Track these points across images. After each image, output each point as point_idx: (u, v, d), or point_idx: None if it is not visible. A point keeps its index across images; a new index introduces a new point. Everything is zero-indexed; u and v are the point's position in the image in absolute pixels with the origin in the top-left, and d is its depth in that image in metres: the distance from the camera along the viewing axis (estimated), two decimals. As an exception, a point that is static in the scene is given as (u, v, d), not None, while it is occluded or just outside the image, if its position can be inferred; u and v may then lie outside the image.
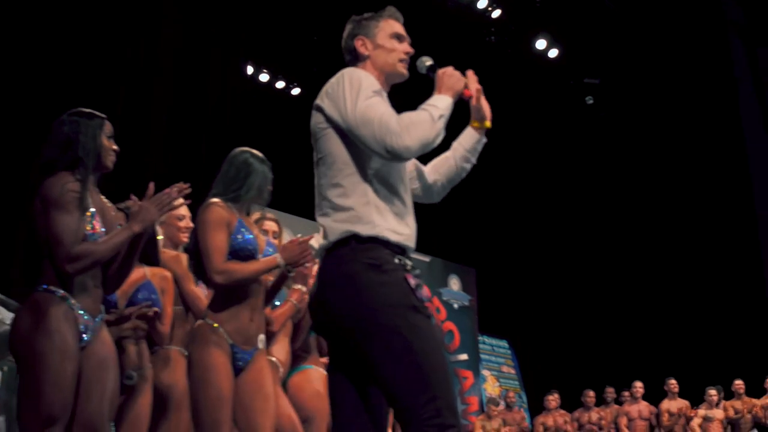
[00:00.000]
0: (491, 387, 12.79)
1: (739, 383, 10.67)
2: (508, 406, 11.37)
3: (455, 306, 12.40)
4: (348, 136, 2.42)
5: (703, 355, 12.51)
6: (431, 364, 2.24)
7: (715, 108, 13.21)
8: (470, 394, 12.16)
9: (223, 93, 10.66)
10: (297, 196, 11.56)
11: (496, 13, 12.44)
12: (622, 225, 14.07)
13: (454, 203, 12.84)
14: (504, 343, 13.66)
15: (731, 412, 10.64)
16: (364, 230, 2.36)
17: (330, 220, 2.42)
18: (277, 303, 3.87)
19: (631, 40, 13.12)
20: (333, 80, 2.50)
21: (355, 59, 2.64)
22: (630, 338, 13.38)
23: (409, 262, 2.39)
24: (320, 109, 2.49)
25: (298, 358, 4.33)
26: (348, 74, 2.48)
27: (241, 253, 3.37)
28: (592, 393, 11.36)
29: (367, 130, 2.35)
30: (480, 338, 13.15)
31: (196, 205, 3.44)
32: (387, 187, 2.46)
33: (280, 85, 12.38)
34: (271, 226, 4.08)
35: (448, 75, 2.57)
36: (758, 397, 10.54)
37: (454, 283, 12.48)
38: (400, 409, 2.24)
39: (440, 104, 2.48)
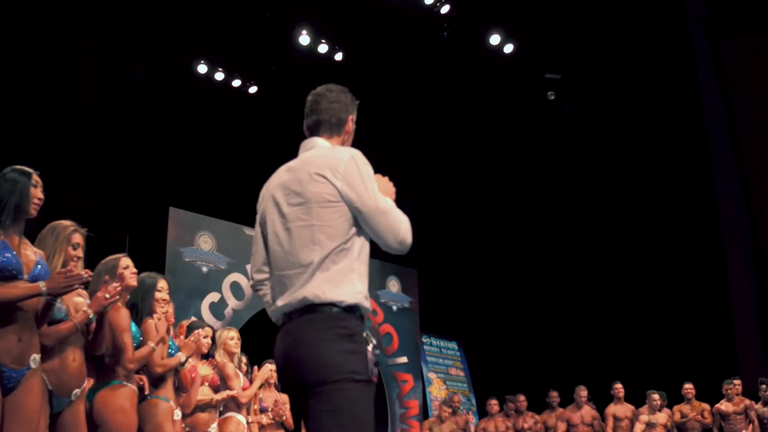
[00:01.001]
0: (437, 390, 12.53)
1: (688, 387, 10.42)
2: (453, 411, 11.08)
3: (394, 308, 12.12)
4: (351, 213, 2.66)
5: (656, 358, 12.32)
6: (362, 429, 2.54)
7: (678, 102, 13.00)
8: (409, 398, 11.89)
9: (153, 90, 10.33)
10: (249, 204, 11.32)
11: (445, 9, 12.18)
12: (574, 224, 13.84)
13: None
14: (453, 345, 13.41)
15: (677, 416, 10.37)
16: (346, 297, 2.60)
17: (311, 284, 2.61)
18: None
19: (591, 33, 12.96)
20: (341, 156, 2.70)
21: (337, 130, 2.88)
22: (586, 339, 13.18)
23: (372, 338, 2.66)
24: (325, 180, 2.67)
25: (109, 372, 4.39)
26: (353, 157, 2.71)
27: (1, 273, 3.42)
28: (555, 393, 11.07)
29: (384, 219, 2.64)
30: (426, 340, 12.89)
31: None
32: (365, 257, 2.71)
33: (237, 83, 12.07)
34: (76, 238, 4.17)
35: (380, 179, 2.82)
36: (709, 401, 10.25)
37: (393, 285, 12.19)
38: None
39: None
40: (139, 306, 4.88)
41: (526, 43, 12.94)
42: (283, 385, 2.82)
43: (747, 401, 10.08)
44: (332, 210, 2.65)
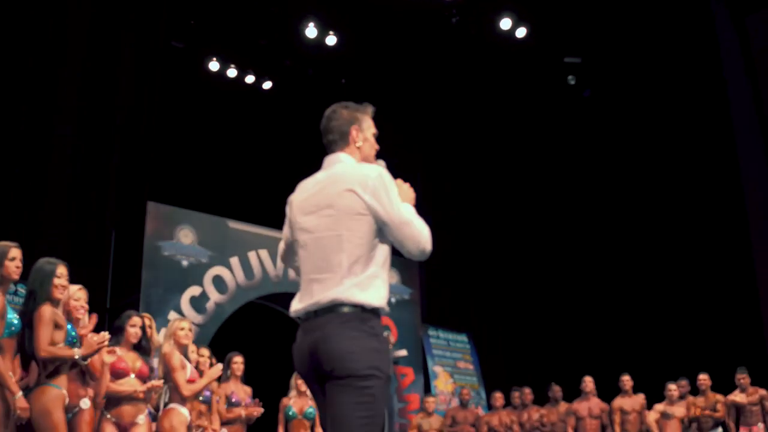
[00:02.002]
0: (443, 383, 12.18)
1: (703, 378, 9.82)
2: (462, 404, 10.75)
3: (392, 300, 11.78)
4: (376, 224, 2.91)
5: (673, 348, 11.76)
6: (381, 424, 2.79)
7: (702, 81, 12.40)
8: (409, 392, 11.57)
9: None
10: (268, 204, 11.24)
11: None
12: (586, 212, 13.35)
13: None
14: (463, 338, 13.03)
15: (693, 411, 9.82)
16: (372, 300, 2.84)
17: (340, 288, 2.85)
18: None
19: (608, 13, 12.47)
20: (369, 173, 2.95)
21: (345, 143, 3.11)
22: (601, 330, 12.68)
23: (392, 338, 3.12)
24: (355, 194, 2.92)
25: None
26: (380, 173, 2.96)
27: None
28: (558, 388, 10.67)
29: (406, 231, 2.90)
30: (433, 333, 12.55)
31: None
32: (388, 265, 2.98)
33: (250, 79, 11.94)
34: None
35: (401, 185, 3.08)
36: (728, 392, 9.65)
37: (392, 277, 11.89)
38: None
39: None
40: (37, 292, 4.89)
41: (539, 26, 12.51)
42: (304, 374, 2.97)
43: (762, 391, 9.44)
44: (360, 221, 2.90)
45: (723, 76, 12.51)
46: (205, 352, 7.29)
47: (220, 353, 8.07)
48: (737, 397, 9.52)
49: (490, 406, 10.77)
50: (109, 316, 9.51)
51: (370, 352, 2.78)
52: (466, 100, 13.87)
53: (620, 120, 13.30)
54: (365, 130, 3.15)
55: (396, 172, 3.05)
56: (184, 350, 6.43)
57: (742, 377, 9.50)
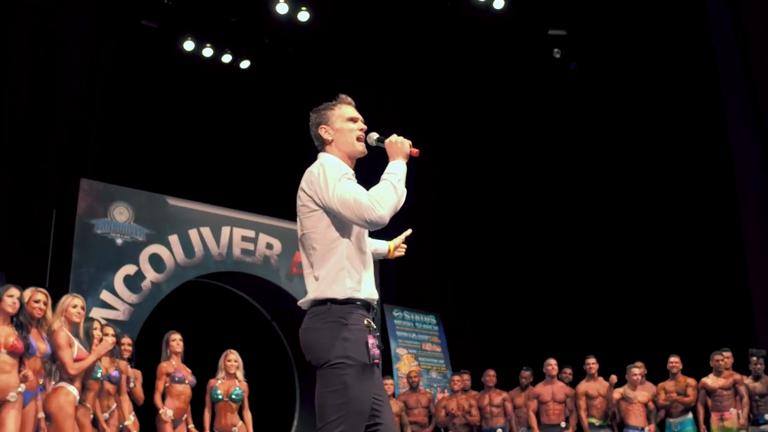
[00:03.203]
0: (406, 366, 11.75)
1: (674, 360, 9.27)
2: (412, 388, 10.30)
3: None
4: (329, 215, 3.02)
5: (647, 331, 11.25)
6: (355, 409, 2.90)
7: (691, 49, 11.79)
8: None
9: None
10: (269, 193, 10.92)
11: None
12: (563, 192, 12.82)
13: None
14: (431, 319, 12.59)
15: (662, 396, 9.33)
16: (339, 294, 2.97)
17: (314, 284, 3.03)
18: None
19: None
20: (313, 167, 3.09)
21: (323, 144, 3.22)
22: (577, 312, 12.18)
23: (373, 324, 3.02)
24: (305, 193, 3.07)
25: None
26: (321, 164, 3.08)
27: None
28: (527, 373, 10.04)
29: (346, 210, 2.94)
30: (398, 314, 12.14)
31: None
32: (358, 253, 3.08)
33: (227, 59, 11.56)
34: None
35: (394, 142, 3.15)
36: (700, 375, 9.12)
37: (348, 256, 11.47)
38: (320, 428, 2.94)
39: (396, 170, 3.08)
40: None
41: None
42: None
43: (737, 375, 8.83)
44: (313, 218, 3.04)
45: (711, 45, 11.89)
46: (110, 330, 7.03)
47: (158, 333, 7.81)
48: (710, 379, 8.97)
49: (479, 387, 10.20)
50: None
51: (340, 341, 2.91)
52: (447, 76, 13.36)
53: (609, 93, 12.69)
54: (334, 122, 3.20)
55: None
56: (75, 328, 6.24)
57: (721, 358, 8.93)
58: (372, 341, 2.97)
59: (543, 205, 13.04)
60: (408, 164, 3.14)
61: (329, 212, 3.01)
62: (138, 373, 7.49)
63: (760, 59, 11.37)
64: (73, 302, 6.22)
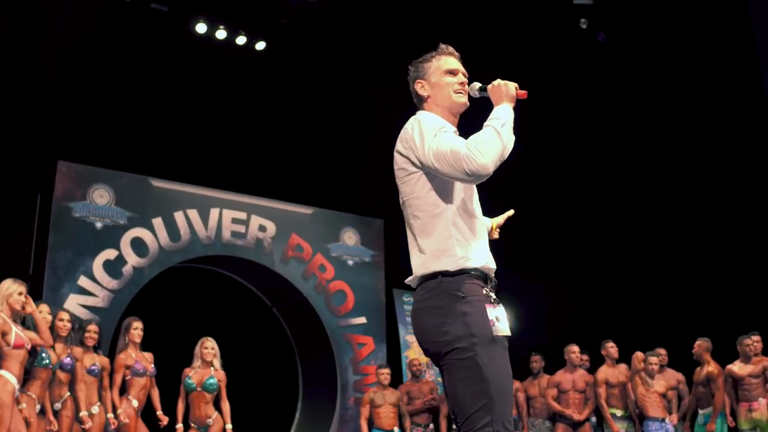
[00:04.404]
0: (416, 354, 11.09)
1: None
2: (414, 376, 9.67)
3: (350, 263, 10.82)
4: (429, 177, 2.72)
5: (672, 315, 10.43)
6: (497, 391, 2.57)
7: (726, 20, 10.89)
8: (368, 363, 10.58)
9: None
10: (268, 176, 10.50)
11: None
12: (591, 167, 12.02)
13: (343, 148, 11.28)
14: (446, 304, 11.91)
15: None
16: (449, 265, 2.66)
17: (420, 258, 2.73)
18: None
19: None
20: (407, 125, 2.82)
21: (420, 100, 2.96)
22: (603, 296, 11.40)
23: (492, 294, 2.71)
24: (400, 154, 2.79)
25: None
26: (416, 119, 2.81)
27: None
28: (537, 357, 9.41)
29: (443, 164, 2.63)
30: (408, 299, 11.47)
31: None
32: (467, 219, 2.77)
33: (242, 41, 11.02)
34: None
35: (498, 86, 2.87)
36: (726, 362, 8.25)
37: (350, 237, 10.90)
38: (463, 423, 2.61)
39: (501, 114, 2.76)
40: None
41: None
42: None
43: (767, 361, 8.04)
44: (412, 182, 2.75)
45: (749, 15, 10.97)
46: (65, 315, 6.64)
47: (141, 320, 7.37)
48: (737, 366, 8.12)
49: None
50: (32, 283, 8.98)
51: (459, 317, 2.63)
52: (469, 48, 12.58)
53: (639, 66, 11.84)
54: (431, 76, 2.95)
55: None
56: (17, 315, 5.95)
57: (750, 342, 8.02)
58: (494, 312, 2.65)
59: (562, 183, 12.29)
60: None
61: (428, 173, 2.72)
62: (105, 361, 7.06)
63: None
64: (15, 288, 5.93)
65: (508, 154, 2.70)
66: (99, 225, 9.04)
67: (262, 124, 10.67)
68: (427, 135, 2.69)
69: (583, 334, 10.01)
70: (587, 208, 12.04)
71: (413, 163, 2.72)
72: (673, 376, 8.83)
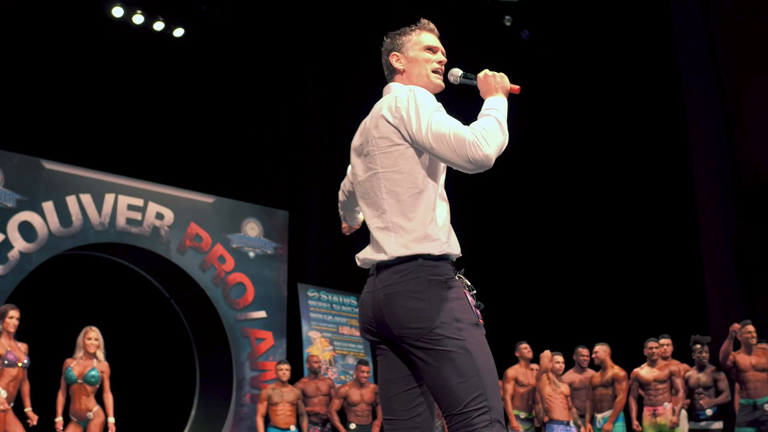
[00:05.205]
0: (319, 351, 10.93)
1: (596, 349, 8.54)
2: (313, 373, 9.46)
3: (251, 254, 10.61)
4: (417, 152, 2.57)
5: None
6: (489, 378, 2.48)
7: (649, 19, 11.03)
8: (266, 359, 10.37)
9: None
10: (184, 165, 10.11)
11: None
12: (514, 163, 11.99)
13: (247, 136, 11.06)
14: (351, 300, 11.76)
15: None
16: (434, 249, 2.51)
17: (394, 238, 2.53)
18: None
19: None
20: (398, 93, 2.64)
21: (392, 73, 2.82)
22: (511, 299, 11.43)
23: (467, 281, 2.60)
24: (387, 122, 2.60)
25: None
26: (411, 90, 2.61)
27: None
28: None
29: (443, 147, 2.48)
30: (314, 294, 11.30)
31: None
32: (444, 204, 2.64)
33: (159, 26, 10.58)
34: None
35: (491, 76, 2.72)
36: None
37: (252, 228, 10.68)
38: (456, 414, 2.45)
39: (500, 106, 2.63)
40: None
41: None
42: (373, 337, 2.67)
43: (674, 365, 7.99)
44: (396, 154, 2.58)
45: (671, 12, 11.13)
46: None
47: (25, 308, 7.02)
48: (643, 370, 8.15)
49: (359, 381, 9.32)
50: None
51: (445, 302, 2.49)
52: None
53: (565, 64, 11.94)
54: (408, 50, 2.79)
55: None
56: None
57: (656, 346, 8.04)
58: (471, 300, 2.55)
59: (482, 182, 12.26)
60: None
61: (417, 149, 2.56)
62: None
63: (722, 28, 10.65)
64: None
65: (504, 149, 2.59)
66: (-17, 209, 8.61)
67: (168, 110, 10.36)
68: (423, 111, 2.54)
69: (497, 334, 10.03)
70: (502, 211, 12.11)
71: (402, 136, 2.57)
72: (574, 377, 8.85)
